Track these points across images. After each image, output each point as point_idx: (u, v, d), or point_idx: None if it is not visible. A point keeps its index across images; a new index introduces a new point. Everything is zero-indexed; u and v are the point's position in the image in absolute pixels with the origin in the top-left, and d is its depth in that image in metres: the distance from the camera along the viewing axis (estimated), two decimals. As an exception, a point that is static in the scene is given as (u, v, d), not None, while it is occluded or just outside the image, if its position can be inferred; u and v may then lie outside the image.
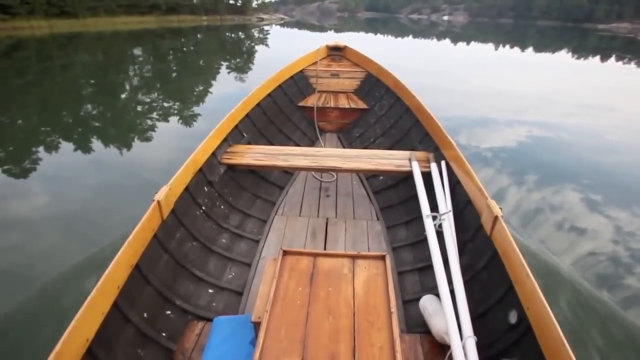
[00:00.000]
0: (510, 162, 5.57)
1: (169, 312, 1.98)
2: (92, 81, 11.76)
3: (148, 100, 9.58)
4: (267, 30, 39.90)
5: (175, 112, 8.36)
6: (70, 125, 7.40)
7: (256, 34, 34.91)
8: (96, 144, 6.19)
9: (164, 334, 1.86)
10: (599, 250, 3.57)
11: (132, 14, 43.04)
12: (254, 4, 69.78)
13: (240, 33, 35.03)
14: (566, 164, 5.65)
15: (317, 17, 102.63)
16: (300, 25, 57.26)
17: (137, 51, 20.31)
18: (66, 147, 6.08)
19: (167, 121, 7.53)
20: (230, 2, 62.77)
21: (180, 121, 7.56)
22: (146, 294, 1.90)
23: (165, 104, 9.11)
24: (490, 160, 5.57)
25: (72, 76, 12.57)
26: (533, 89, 11.50)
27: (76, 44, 22.65)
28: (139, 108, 8.69)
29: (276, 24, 56.18)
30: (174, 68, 14.80)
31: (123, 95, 9.97)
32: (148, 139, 6.52)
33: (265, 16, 67.70)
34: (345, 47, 5.17)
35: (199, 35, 31.16)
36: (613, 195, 4.69)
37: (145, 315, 1.82)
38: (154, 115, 8.00)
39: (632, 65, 20.53)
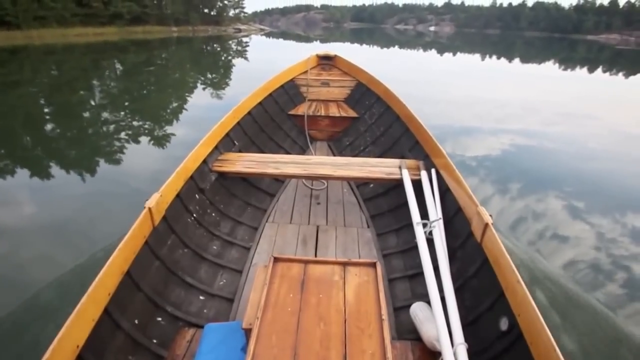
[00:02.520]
0: (495, 170, 5.66)
1: (159, 318, 1.97)
2: (45, 101, 10.34)
3: (114, 120, 8.46)
4: (246, 42, 36.52)
5: (146, 132, 7.53)
6: (22, 151, 6.41)
7: (234, 46, 32.03)
8: (55, 169, 5.46)
9: (154, 341, 1.85)
10: (582, 255, 3.66)
11: (90, 25, 37.30)
12: (231, 13, 64.80)
13: (215, 45, 32.24)
14: (549, 172, 5.76)
15: (302, 28, 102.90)
16: (285, 35, 56.36)
17: (98, 67, 17.63)
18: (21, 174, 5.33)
19: (137, 142, 6.74)
20: (204, 11, 56.75)
21: (152, 142, 6.81)
22: (137, 300, 1.89)
23: (135, 123, 8.18)
24: (475, 169, 5.65)
25: (18, 95, 10.93)
26: (519, 98, 11.72)
27: (21, 59, 19.34)
28: (104, 129, 7.72)
29: (259, 35, 53.65)
30: (143, 85, 13.13)
31: (85, 115, 8.88)
32: (117, 162, 5.84)
33: (243, 27, 62.31)
34: (336, 56, 5.24)
35: (170, 48, 27.89)
36: (595, 202, 4.80)
37: (136, 321, 1.82)
38: (122, 135, 7.13)
39: (620, 76, 20.94)
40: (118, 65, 18.54)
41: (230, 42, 36.44)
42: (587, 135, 8.13)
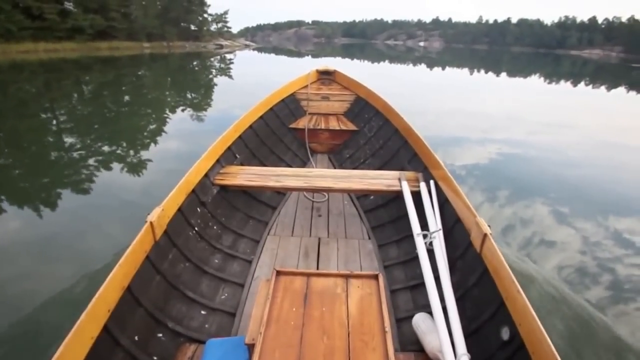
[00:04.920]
0: (482, 179, 5.79)
1: (160, 334, 1.94)
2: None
3: (79, 146, 7.19)
4: (230, 59, 33.21)
5: (118, 159, 6.43)
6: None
7: (217, 64, 29.09)
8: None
9: (155, 358, 1.82)
10: (568, 258, 3.78)
11: (44, 40, 31.83)
12: (213, 28, 58.43)
13: (195, 62, 29.11)
14: (534, 179, 5.94)
15: (294, 43, 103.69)
16: (277, 50, 55.59)
17: (54, 88, 14.94)
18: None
19: (108, 170, 5.79)
20: (183, 25, 50.25)
21: (126, 170, 5.92)
22: (137, 316, 1.86)
23: (106, 149, 7.01)
24: (464, 178, 5.75)
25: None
26: (506, 110, 12.12)
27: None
28: (67, 156, 6.63)
29: (249, 50, 50.90)
30: (111, 108, 11.22)
31: (40, 142, 7.50)
32: (84, 190, 5.07)
33: (225, 42, 56.45)
34: (335, 71, 5.35)
35: (143, 67, 24.96)
36: (578, 206, 4.96)
37: (136, 338, 1.78)
38: (91, 162, 6.11)
39: (602, 89, 21.58)
40: (80, 86, 15.91)
41: (212, 59, 33.54)
42: (568, 143, 8.45)
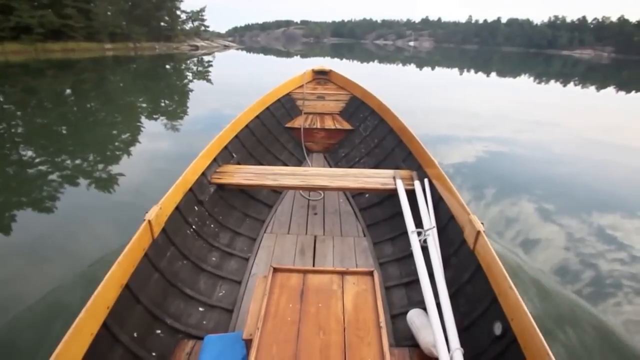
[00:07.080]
0: (470, 177, 5.88)
1: (159, 331, 1.96)
2: None
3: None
4: (209, 62, 29.63)
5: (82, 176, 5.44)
6: None
7: (193, 67, 25.96)
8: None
9: (154, 354, 1.84)
10: (553, 253, 3.87)
11: None
12: (188, 27, 50.31)
13: (168, 66, 25.44)
14: (521, 176, 6.06)
15: (282, 43, 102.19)
16: (265, 51, 53.78)
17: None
18: None
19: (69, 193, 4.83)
20: (152, 23, 42.89)
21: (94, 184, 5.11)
22: (136, 313, 1.88)
23: (68, 163, 6.11)
24: (452, 176, 5.77)
25: None
26: (495, 109, 12.28)
27: None
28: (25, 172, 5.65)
29: (233, 50, 47.06)
30: (72, 118, 9.71)
31: None
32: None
33: (201, 43, 48.94)
34: (331, 71, 5.39)
35: (107, 71, 21.61)
36: (563, 203, 5.07)
37: (135, 335, 1.81)
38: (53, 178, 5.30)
39: (592, 89, 21.85)
40: (32, 95, 12.83)
41: (189, 61, 29.81)
42: (557, 141, 8.58)
